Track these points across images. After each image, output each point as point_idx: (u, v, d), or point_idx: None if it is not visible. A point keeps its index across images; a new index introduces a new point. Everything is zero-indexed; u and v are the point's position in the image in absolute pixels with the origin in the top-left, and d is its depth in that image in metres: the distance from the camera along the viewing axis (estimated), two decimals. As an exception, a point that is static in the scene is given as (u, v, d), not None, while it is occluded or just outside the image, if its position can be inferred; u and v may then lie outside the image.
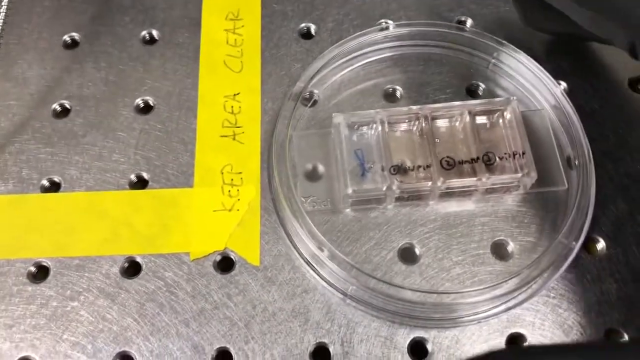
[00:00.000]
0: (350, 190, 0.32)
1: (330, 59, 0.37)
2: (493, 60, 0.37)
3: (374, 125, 0.34)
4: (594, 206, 0.33)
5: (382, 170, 0.33)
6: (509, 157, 0.33)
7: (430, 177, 0.33)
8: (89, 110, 0.37)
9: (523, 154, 0.33)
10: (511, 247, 0.33)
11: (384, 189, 0.32)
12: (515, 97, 0.34)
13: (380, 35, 0.37)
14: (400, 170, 0.33)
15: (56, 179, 0.35)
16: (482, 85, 0.37)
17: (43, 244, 0.33)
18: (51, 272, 0.33)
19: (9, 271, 0.33)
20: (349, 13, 0.40)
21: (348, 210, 0.34)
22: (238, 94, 0.37)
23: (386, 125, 0.34)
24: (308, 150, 0.35)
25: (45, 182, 0.35)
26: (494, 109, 0.34)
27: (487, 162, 0.33)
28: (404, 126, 0.34)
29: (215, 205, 0.34)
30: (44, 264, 0.33)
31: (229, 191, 0.34)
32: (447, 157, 0.33)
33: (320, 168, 0.35)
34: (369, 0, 0.40)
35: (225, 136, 0.36)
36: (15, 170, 0.35)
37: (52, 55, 0.39)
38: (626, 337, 0.31)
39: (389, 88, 0.37)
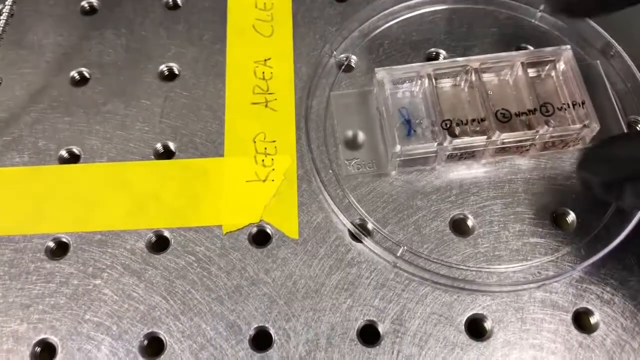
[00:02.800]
0: (398, 149, 0.29)
1: (369, 20, 0.35)
2: (539, 14, 0.35)
3: (419, 82, 0.31)
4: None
5: (433, 125, 0.30)
6: (568, 107, 0.30)
7: (485, 131, 0.30)
8: (109, 78, 0.34)
9: (583, 103, 0.30)
10: (571, 216, 0.30)
11: (436, 145, 0.29)
12: (568, 46, 0.32)
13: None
14: (452, 125, 0.30)
15: (75, 149, 0.32)
16: (529, 46, 0.35)
17: (62, 218, 0.31)
18: (71, 248, 0.30)
19: (26, 247, 0.30)
20: (385, -25, 0.37)
21: (394, 172, 0.31)
22: (269, 59, 0.35)
23: (433, 79, 0.31)
24: (348, 112, 0.32)
25: (64, 153, 0.32)
26: (546, 60, 0.32)
27: (545, 113, 0.30)
28: (450, 81, 0.32)
29: (248, 176, 0.31)
30: (63, 239, 0.30)
31: (263, 160, 0.32)
32: (503, 109, 0.30)
33: (363, 129, 0.32)
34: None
35: (257, 103, 0.33)
36: (31, 141, 0.33)
37: (70, 22, 0.36)
38: None
39: (432, 51, 0.35)
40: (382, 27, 0.35)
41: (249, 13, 0.36)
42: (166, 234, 0.30)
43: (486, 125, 0.30)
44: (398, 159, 0.30)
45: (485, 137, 0.30)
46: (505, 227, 0.30)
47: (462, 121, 0.30)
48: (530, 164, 0.32)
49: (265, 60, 0.35)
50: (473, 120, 0.30)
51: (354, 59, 0.35)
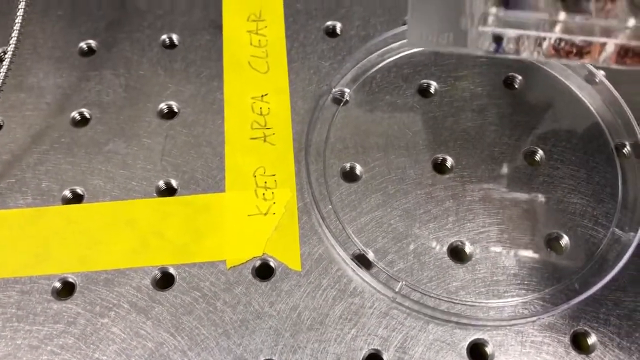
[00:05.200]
0: (494, 11, 0.22)
1: (365, 56, 0.36)
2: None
3: None
4: (650, 193, 0.32)
5: None
6: None
7: (616, 14, 0.22)
8: (109, 118, 0.35)
9: None
10: (565, 240, 0.31)
11: (544, 18, 0.22)
12: None
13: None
14: None
15: (79, 189, 0.33)
16: (519, 76, 0.36)
17: (67, 258, 0.31)
18: (77, 288, 0.30)
19: (32, 289, 0.30)
20: (375, 10, 0.38)
21: (480, 51, 0.24)
22: (266, 94, 0.35)
23: None
24: None
25: (67, 194, 0.33)
26: None
27: None
28: None
29: (249, 210, 0.32)
30: (69, 279, 0.31)
31: (264, 194, 0.32)
32: None
33: None
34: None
35: (256, 138, 0.34)
36: (34, 183, 0.33)
37: (69, 64, 0.37)
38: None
39: (424, 82, 0.36)
40: (375, 63, 0.36)
41: (245, 50, 0.37)
42: (171, 270, 0.31)
43: (614, 7, 0.22)
44: (488, 31, 0.23)
45: (616, 21, 0.22)
46: (502, 253, 0.31)
47: None
48: (522, 189, 0.33)
49: (262, 95, 0.35)
50: None
51: (347, 91, 0.36)
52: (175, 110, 0.35)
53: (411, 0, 0.24)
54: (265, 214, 0.32)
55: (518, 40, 0.23)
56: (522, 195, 0.33)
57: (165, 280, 0.31)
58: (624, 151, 0.34)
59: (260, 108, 0.35)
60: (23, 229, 0.32)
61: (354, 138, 0.34)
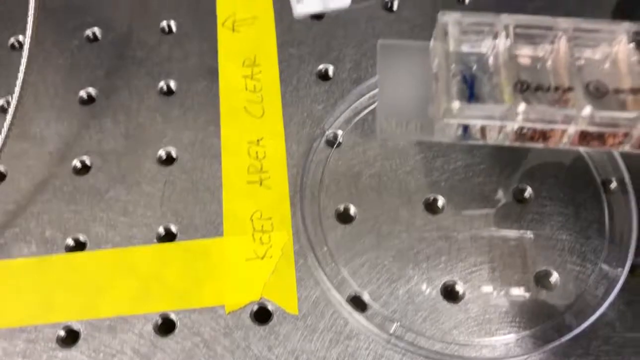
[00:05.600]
0: (456, 105, 0.23)
1: (357, 99, 0.37)
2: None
3: (492, 41, 0.25)
4: (636, 228, 0.32)
5: (502, 86, 0.24)
6: None
7: (572, 103, 0.23)
8: (110, 165, 0.36)
9: None
10: (555, 276, 0.32)
11: (504, 110, 0.23)
12: None
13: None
14: (528, 89, 0.24)
15: (81, 237, 0.34)
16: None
17: (71, 306, 0.32)
18: (82, 335, 0.31)
19: (37, 337, 0.31)
20: (366, 52, 0.39)
21: (444, 139, 0.25)
22: (262, 139, 0.37)
23: (511, 34, 0.25)
24: (395, 65, 0.27)
25: (70, 242, 0.34)
26: None
27: None
28: (531, 49, 0.26)
29: (247, 254, 0.33)
30: (74, 327, 0.32)
31: (260, 238, 0.33)
32: (598, 81, 0.24)
33: (412, 86, 0.27)
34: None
35: (252, 182, 0.35)
36: (38, 232, 0.34)
37: (69, 112, 0.38)
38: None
39: (414, 123, 0.37)
40: (367, 105, 0.37)
41: (240, 95, 0.38)
42: (172, 316, 0.32)
43: (572, 96, 0.24)
44: (452, 124, 0.24)
45: (571, 109, 0.23)
46: (493, 291, 0.32)
47: (542, 86, 0.24)
48: (512, 227, 0.34)
49: (258, 140, 0.37)
50: (557, 88, 0.24)
51: (340, 133, 0.37)
52: (174, 156, 0.36)
53: (380, 91, 0.26)
54: (263, 258, 0.33)
55: (484, 128, 0.24)
56: (512, 233, 0.34)
57: (166, 326, 0.32)
58: (610, 187, 0.35)
59: (257, 152, 0.36)
60: (28, 279, 0.33)
61: (348, 179, 0.35)
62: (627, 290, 0.31)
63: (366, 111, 0.37)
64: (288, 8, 0.41)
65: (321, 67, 0.39)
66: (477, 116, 0.24)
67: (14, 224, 0.34)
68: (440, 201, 0.34)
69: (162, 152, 0.36)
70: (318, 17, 0.41)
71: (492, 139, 0.25)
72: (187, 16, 0.41)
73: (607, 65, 0.25)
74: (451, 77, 0.24)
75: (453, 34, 0.25)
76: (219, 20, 0.41)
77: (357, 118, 0.37)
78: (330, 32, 0.40)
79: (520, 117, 0.23)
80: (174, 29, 0.41)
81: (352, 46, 0.40)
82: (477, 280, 0.32)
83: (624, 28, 0.25)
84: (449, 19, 0.25)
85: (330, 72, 0.39)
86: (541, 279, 0.32)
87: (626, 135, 0.24)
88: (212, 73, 0.39)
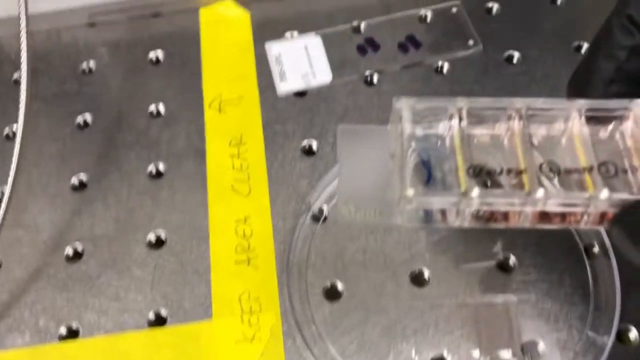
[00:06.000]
0: (411, 193, 0.24)
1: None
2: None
3: (448, 123, 0.26)
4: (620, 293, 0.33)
5: (452, 170, 0.25)
6: (630, 170, 0.24)
7: (524, 186, 0.24)
8: (101, 251, 0.37)
9: None
10: (542, 346, 0.32)
11: (458, 196, 0.24)
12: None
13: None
14: (481, 173, 0.25)
15: (74, 325, 0.35)
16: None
17: (64, 396, 0.32)
18: None
19: None
20: (348, 126, 0.40)
21: (405, 223, 0.25)
22: (249, 217, 0.37)
23: (465, 117, 0.26)
24: (355, 150, 0.28)
25: (63, 330, 0.35)
26: (611, 115, 0.26)
27: (606, 174, 0.24)
28: (486, 129, 0.26)
29: (236, 337, 0.33)
30: (67, 418, 0.32)
31: (249, 320, 0.34)
32: (550, 162, 0.25)
33: (371, 170, 0.27)
34: (366, 113, 0.41)
35: (240, 262, 0.36)
36: (32, 321, 0.35)
37: (62, 199, 0.39)
38: None
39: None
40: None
41: (227, 174, 0.39)
42: (163, 402, 0.32)
43: (524, 178, 0.24)
44: (411, 209, 0.25)
45: (524, 193, 0.24)
46: (481, 364, 0.32)
47: (495, 170, 0.25)
48: (497, 296, 0.34)
49: (245, 218, 0.37)
50: (510, 170, 0.25)
51: (325, 208, 0.37)
52: (163, 239, 0.37)
53: (339, 175, 0.27)
54: (252, 341, 0.33)
55: (444, 211, 0.25)
56: (498, 302, 0.34)
57: (158, 413, 0.32)
58: (593, 251, 0.35)
59: (244, 231, 0.37)
60: (21, 370, 0.33)
61: (334, 255, 0.36)
62: (615, 358, 0.32)
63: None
64: (272, 87, 0.42)
65: (305, 142, 0.40)
66: (432, 202, 0.24)
67: (8, 314, 0.35)
68: (426, 273, 0.35)
69: (151, 236, 0.37)
70: (301, 94, 0.42)
71: (452, 222, 0.26)
72: (175, 99, 0.43)
73: (562, 143, 0.26)
74: (407, 161, 0.25)
75: (408, 118, 0.26)
76: (206, 102, 0.42)
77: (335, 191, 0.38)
78: (313, 108, 0.41)
79: (475, 202, 0.24)
80: (162, 112, 0.42)
81: (334, 121, 0.41)
82: (464, 352, 0.32)
83: (576, 106, 0.25)
84: (403, 104, 0.26)
85: (315, 147, 0.40)
86: (528, 349, 0.33)
87: (585, 213, 0.24)
88: (200, 154, 0.40)
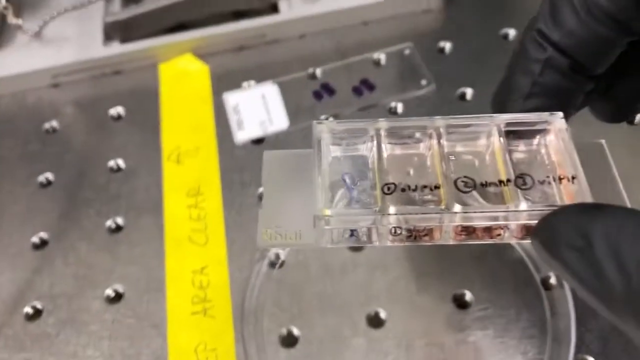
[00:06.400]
0: (328, 213, 0.23)
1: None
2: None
3: (369, 144, 0.26)
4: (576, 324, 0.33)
5: (372, 189, 0.25)
6: (554, 181, 0.24)
7: (439, 201, 0.24)
8: (60, 309, 0.37)
9: (573, 178, 0.24)
10: (500, 382, 0.32)
11: (374, 213, 0.24)
12: (560, 113, 0.25)
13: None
14: (397, 190, 0.24)
15: (31, 386, 0.34)
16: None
17: None
18: None
19: None
20: (304, 170, 0.41)
21: (327, 245, 0.25)
22: (206, 267, 0.38)
23: (383, 137, 0.26)
24: (280, 175, 0.28)
25: (20, 392, 0.34)
26: (532, 129, 0.26)
27: (522, 186, 0.24)
28: (407, 147, 0.26)
29: (192, 388, 0.33)
30: None
31: (205, 371, 0.34)
32: (465, 177, 0.24)
33: (294, 194, 0.26)
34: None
35: (196, 313, 0.36)
36: (-11, 384, 0.35)
37: (23, 259, 0.39)
38: None
39: (352, 237, 0.38)
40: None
41: (185, 225, 0.39)
42: None
43: (441, 194, 0.24)
44: (325, 228, 0.24)
45: (439, 207, 0.23)
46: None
47: (409, 187, 0.25)
48: (455, 334, 0.34)
49: (202, 268, 0.38)
50: (424, 186, 0.24)
51: (282, 253, 0.38)
52: (121, 292, 0.37)
53: (263, 201, 0.26)
54: (207, 392, 0.33)
55: (370, 230, 0.24)
56: (456, 340, 0.34)
57: None
58: (550, 282, 0.35)
59: (201, 281, 0.37)
60: None
61: (290, 300, 0.36)
62: (574, 391, 0.31)
63: (306, 229, 0.38)
64: (230, 135, 0.43)
65: (262, 189, 0.40)
66: (350, 221, 0.24)
67: (-35, 378, 0.35)
68: (382, 314, 0.35)
69: (109, 291, 0.37)
70: (258, 141, 0.43)
71: (375, 241, 0.25)
72: (135, 153, 0.43)
73: (486, 160, 0.25)
74: (327, 182, 0.25)
75: (328, 140, 0.26)
76: (164, 155, 0.43)
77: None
78: (269, 155, 0.42)
79: (392, 219, 0.23)
80: (122, 166, 0.43)
81: (290, 166, 0.41)
82: (422, 394, 0.32)
83: (496, 122, 0.25)
84: (323, 127, 0.26)
85: (272, 193, 0.40)
86: (486, 386, 0.32)
87: (506, 226, 0.24)
88: (158, 206, 0.40)
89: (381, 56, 0.46)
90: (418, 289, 0.35)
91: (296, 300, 0.36)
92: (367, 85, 0.45)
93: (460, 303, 0.35)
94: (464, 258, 0.36)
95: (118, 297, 0.37)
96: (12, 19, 0.46)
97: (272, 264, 0.37)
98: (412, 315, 0.35)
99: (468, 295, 0.35)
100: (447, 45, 0.46)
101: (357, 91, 0.44)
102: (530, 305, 0.34)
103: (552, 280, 0.35)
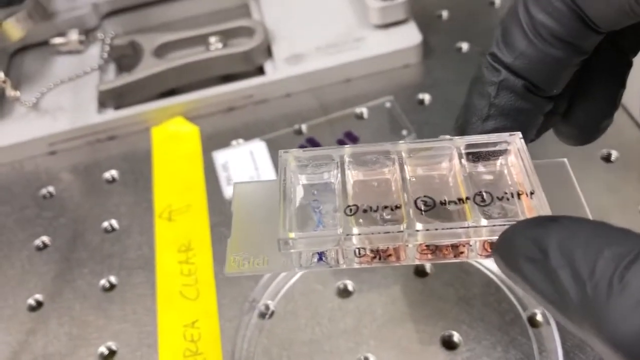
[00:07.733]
0: (291, 235, 0.24)
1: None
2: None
3: (335, 171, 0.26)
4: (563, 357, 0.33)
5: (335, 211, 0.25)
6: (512, 197, 0.25)
7: (400, 221, 0.24)
8: (54, 369, 0.37)
9: (532, 194, 0.24)
10: (492, 423, 0.32)
11: (336, 235, 0.24)
12: (518, 133, 0.26)
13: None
14: (359, 211, 0.25)
15: None
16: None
17: None
18: None
19: None
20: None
21: (297, 269, 0.25)
22: (196, 321, 0.38)
23: (347, 164, 0.26)
24: (249, 204, 0.28)
25: None
26: (493, 150, 0.26)
27: (481, 203, 0.24)
28: (374, 172, 0.27)
29: None
30: None
31: None
32: (425, 196, 0.25)
33: (262, 222, 0.26)
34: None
35: (188, 366, 0.36)
36: None
37: (18, 321, 0.40)
38: None
39: (340, 284, 0.38)
40: (294, 273, 0.39)
41: (176, 281, 0.40)
42: None
43: (401, 213, 0.24)
44: (293, 252, 0.24)
45: (399, 226, 0.24)
46: None
47: (371, 208, 0.25)
48: (444, 376, 0.34)
49: (193, 322, 0.38)
50: (385, 207, 0.25)
51: (271, 303, 0.38)
52: (115, 349, 0.38)
53: (232, 229, 0.26)
54: None
55: (337, 252, 0.25)
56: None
57: None
58: (537, 319, 0.35)
59: (192, 335, 0.37)
60: None
61: (280, 350, 0.36)
62: None
63: (295, 278, 0.39)
64: (219, 191, 0.44)
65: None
66: (314, 243, 0.24)
67: None
68: (372, 359, 0.35)
69: (103, 348, 0.38)
70: (247, 196, 0.44)
71: (343, 263, 0.25)
72: (128, 213, 0.44)
73: (449, 182, 0.26)
74: (291, 208, 0.25)
75: (294, 168, 0.26)
76: (156, 213, 0.44)
77: (287, 286, 0.39)
78: (258, 208, 0.43)
79: (354, 239, 0.24)
80: (116, 227, 0.44)
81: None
82: None
83: (456, 144, 0.26)
84: (288, 156, 0.26)
85: (261, 246, 0.41)
86: None
87: (468, 243, 0.24)
88: (150, 263, 0.41)
89: (363, 110, 0.48)
90: (406, 332, 0.36)
91: (286, 349, 0.36)
92: (350, 137, 0.46)
93: (449, 344, 0.35)
94: (451, 300, 0.37)
95: (112, 354, 0.38)
96: (10, 92, 0.49)
97: (262, 315, 0.38)
98: (401, 358, 0.35)
99: (456, 336, 0.35)
100: (426, 97, 0.48)
101: (341, 143, 0.46)
102: (518, 343, 0.34)
103: (539, 317, 0.35)
